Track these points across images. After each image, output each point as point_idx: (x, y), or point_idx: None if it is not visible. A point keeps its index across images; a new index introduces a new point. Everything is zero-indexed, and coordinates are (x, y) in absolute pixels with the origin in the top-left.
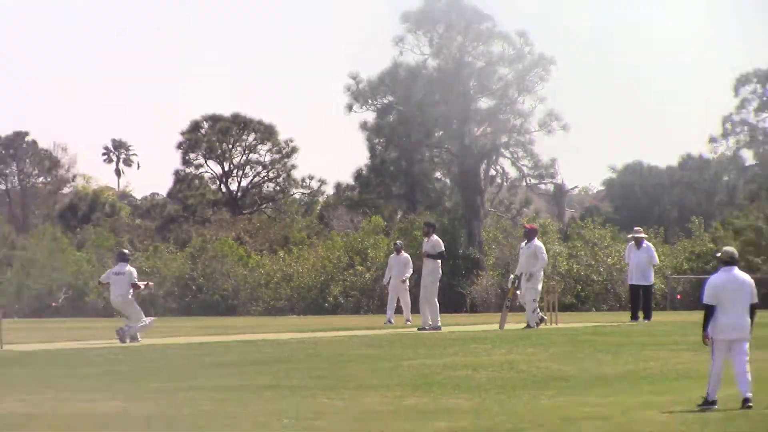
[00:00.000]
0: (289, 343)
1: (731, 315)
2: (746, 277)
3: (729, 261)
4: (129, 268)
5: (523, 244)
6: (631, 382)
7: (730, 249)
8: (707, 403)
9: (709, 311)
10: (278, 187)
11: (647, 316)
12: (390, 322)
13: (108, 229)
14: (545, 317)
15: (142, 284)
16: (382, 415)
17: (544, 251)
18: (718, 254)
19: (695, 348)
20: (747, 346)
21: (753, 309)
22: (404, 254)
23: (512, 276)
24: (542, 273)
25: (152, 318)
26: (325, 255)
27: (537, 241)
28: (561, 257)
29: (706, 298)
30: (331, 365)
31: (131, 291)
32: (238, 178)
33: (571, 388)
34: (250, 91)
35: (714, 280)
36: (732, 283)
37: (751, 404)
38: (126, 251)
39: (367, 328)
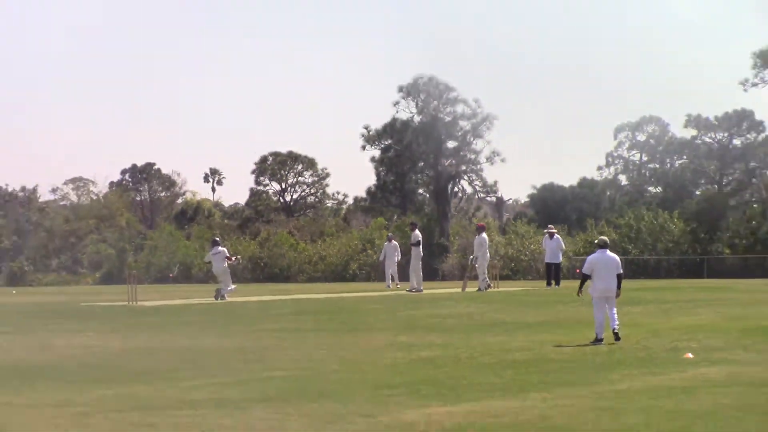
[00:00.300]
0: (323, 301)
1: (604, 281)
2: (614, 256)
3: (603, 245)
4: (221, 248)
5: (476, 236)
6: (546, 327)
7: (604, 237)
8: (596, 340)
9: (584, 278)
10: (316, 199)
11: (557, 284)
12: (388, 287)
13: (206, 227)
14: (491, 284)
15: (233, 257)
16: (384, 347)
17: (487, 240)
18: (596, 241)
19: (589, 305)
20: (615, 300)
21: (619, 277)
22: (394, 242)
23: (471, 257)
24: (488, 255)
25: (235, 285)
26: (346, 243)
27: (484, 234)
28: (501, 244)
29: (584, 269)
30: (351, 315)
31: (226, 263)
32: (291, 193)
33: (508, 331)
34: (299, 133)
35: (592, 258)
36: (604, 260)
37: (617, 332)
38: (217, 238)
39: (374, 291)
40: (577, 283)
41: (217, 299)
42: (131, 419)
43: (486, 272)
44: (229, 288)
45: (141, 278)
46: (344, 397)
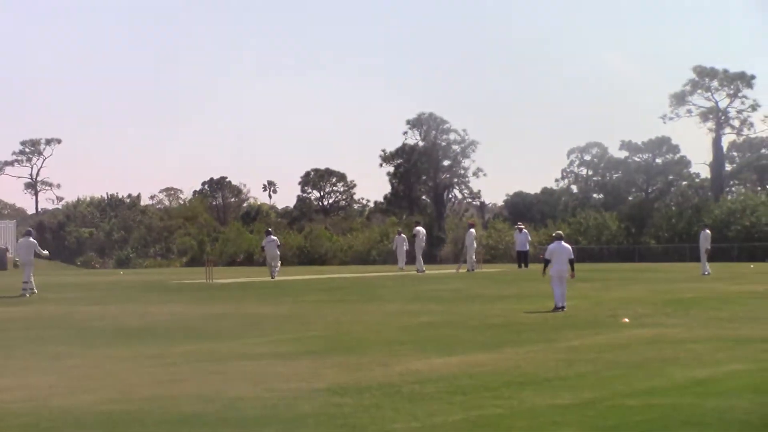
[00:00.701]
0: (350, 279)
1: (559, 264)
2: (567, 246)
3: (558, 237)
4: (273, 237)
5: (467, 231)
6: (517, 299)
7: (559, 231)
8: (556, 308)
9: (546, 262)
10: (346, 203)
11: (526, 266)
12: (401, 269)
13: (264, 224)
14: (475, 267)
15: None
16: (394, 314)
17: (474, 234)
18: (554, 234)
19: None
20: (565, 279)
21: (571, 262)
22: (402, 235)
23: (462, 246)
24: (475, 244)
25: (279, 267)
26: (369, 236)
27: (472, 230)
28: (483, 237)
29: (546, 255)
30: (370, 289)
31: (278, 248)
32: (327, 199)
33: (488, 301)
34: (334, 153)
35: (550, 246)
36: (559, 249)
37: (564, 308)
38: (270, 229)
39: (388, 272)
40: (541, 266)
41: (272, 278)
42: (208, 368)
43: (474, 258)
44: (278, 268)
45: (216, 262)
46: (365, 351)
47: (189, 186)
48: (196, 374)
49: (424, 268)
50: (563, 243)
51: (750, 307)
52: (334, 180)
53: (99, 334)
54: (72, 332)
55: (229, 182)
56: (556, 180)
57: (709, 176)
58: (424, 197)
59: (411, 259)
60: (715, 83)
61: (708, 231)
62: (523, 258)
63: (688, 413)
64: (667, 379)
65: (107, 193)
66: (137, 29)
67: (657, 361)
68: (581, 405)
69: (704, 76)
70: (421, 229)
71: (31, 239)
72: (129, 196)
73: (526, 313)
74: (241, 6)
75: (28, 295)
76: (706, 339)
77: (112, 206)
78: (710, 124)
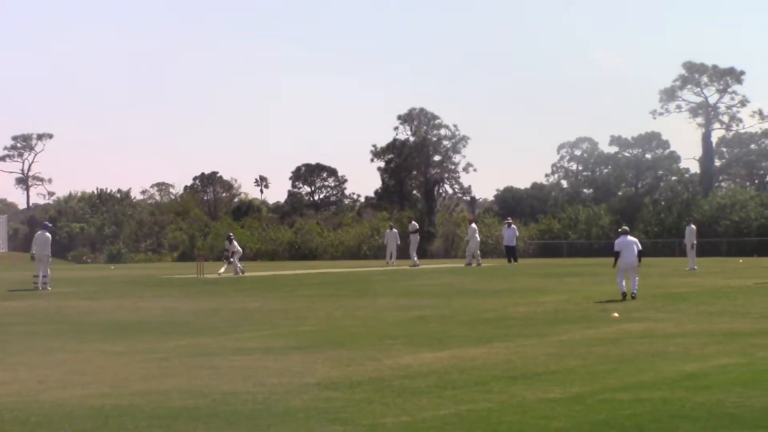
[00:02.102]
0: (341, 274)
1: (626, 257)
2: (634, 239)
3: (624, 232)
4: (235, 242)
5: (469, 227)
6: (508, 293)
7: (626, 227)
8: (624, 297)
9: (616, 255)
10: (337, 198)
11: (515, 261)
12: (388, 263)
13: (255, 219)
14: (481, 262)
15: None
16: (386, 309)
17: (476, 229)
18: (620, 230)
19: (541, 276)
20: (636, 270)
21: (639, 253)
22: (394, 230)
23: (466, 239)
24: (477, 239)
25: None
26: (360, 231)
27: (474, 225)
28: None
29: (616, 248)
30: (362, 284)
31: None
32: (318, 194)
33: (479, 296)
34: (325, 148)
35: (618, 240)
36: (626, 242)
37: (635, 295)
38: (231, 235)
39: (380, 266)
40: (532, 260)
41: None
42: (199, 363)
43: (478, 253)
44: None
45: (207, 257)
46: (357, 345)
47: (180, 181)
48: (187, 369)
49: (418, 263)
50: (629, 237)
51: (739, 301)
52: (325, 175)
53: (91, 328)
54: (64, 327)
55: (221, 177)
56: (546, 175)
57: (698, 171)
58: (414, 192)
59: (402, 253)
60: (704, 79)
61: (693, 226)
62: (511, 253)
63: (678, 407)
64: (656, 373)
65: (98, 188)
66: (128, 24)
67: (647, 355)
68: (571, 399)
69: (694, 72)
70: (415, 224)
71: (47, 234)
72: (120, 191)
73: (521, 307)
74: (235, 4)
75: (42, 289)
76: (695, 333)
77: (103, 201)
78: (700, 120)
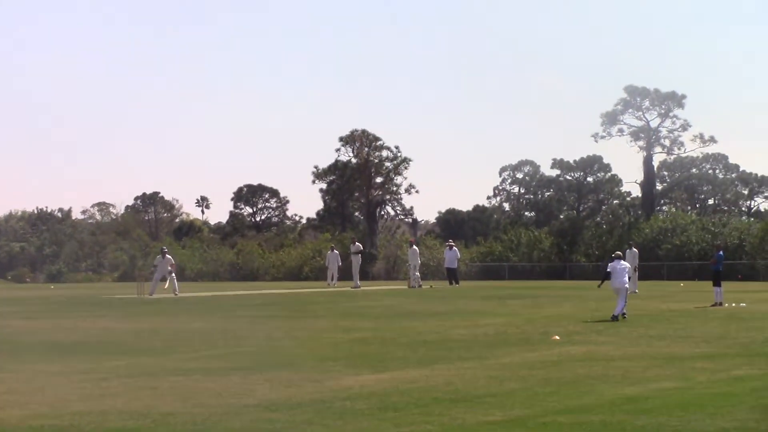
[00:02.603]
0: (282, 295)
1: (617, 280)
2: (625, 264)
3: (618, 257)
4: (168, 257)
5: (409, 249)
6: (449, 316)
7: (618, 252)
8: (614, 317)
9: (605, 276)
10: (279, 219)
11: (457, 283)
12: (329, 285)
13: (196, 239)
14: (422, 284)
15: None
16: (327, 330)
17: (418, 252)
18: (613, 254)
19: (482, 298)
20: (624, 292)
21: (628, 276)
22: (336, 251)
23: (408, 264)
24: (419, 261)
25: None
26: (301, 252)
27: (415, 247)
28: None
29: (608, 269)
30: (303, 305)
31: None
32: (260, 215)
33: (420, 318)
34: (267, 169)
35: (612, 264)
36: (618, 266)
37: (626, 316)
38: (165, 248)
39: (321, 288)
40: (474, 282)
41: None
42: (138, 384)
43: (418, 274)
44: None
45: (147, 277)
46: (297, 367)
47: (121, 201)
48: (126, 389)
49: (360, 284)
50: (622, 262)
51: (680, 325)
52: (267, 196)
53: (30, 348)
54: (3, 347)
55: (162, 197)
56: (488, 198)
57: (639, 195)
58: (356, 214)
59: (345, 275)
60: (646, 102)
61: (635, 250)
62: (452, 275)
63: (619, 430)
64: (597, 396)
65: (38, 208)
66: (68, 40)
67: (587, 378)
68: (512, 422)
69: (635, 96)
70: (359, 246)
71: None
72: (60, 210)
73: (461, 329)
74: (177, 19)
75: None
76: (636, 356)
77: (43, 221)
78: (641, 143)
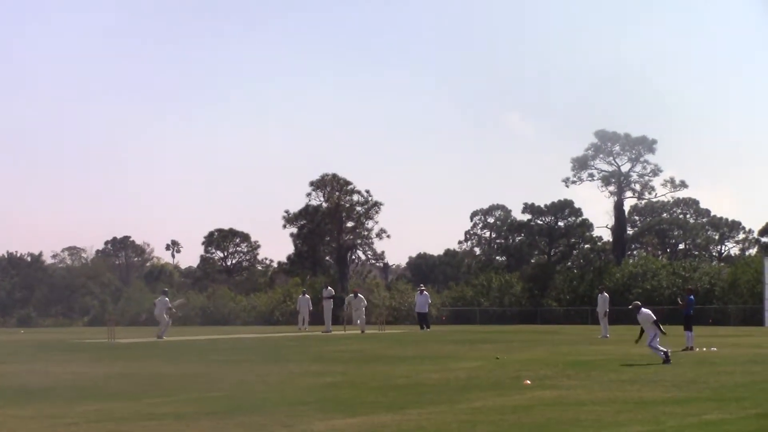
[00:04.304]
0: (254, 339)
1: (647, 329)
2: (646, 311)
3: (637, 308)
4: (166, 298)
5: (356, 297)
6: (420, 360)
7: (637, 302)
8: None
9: (641, 330)
10: (250, 263)
11: (427, 327)
12: (299, 329)
13: (167, 284)
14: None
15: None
16: (298, 374)
17: (363, 299)
18: (631, 305)
19: (453, 342)
20: (658, 336)
21: (656, 323)
22: (306, 296)
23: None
24: (363, 308)
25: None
26: (272, 296)
27: (360, 295)
28: (386, 298)
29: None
30: (273, 349)
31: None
32: (231, 259)
33: (391, 362)
34: (238, 214)
35: (639, 317)
36: (641, 316)
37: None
38: (166, 288)
39: (293, 332)
40: (445, 327)
41: (160, 338)
42: (109, 428)
43: (363, 318)
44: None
45: (118, 322)
46: (269, 411)
47: (92, 245)
48: None
49: (331, 329)
50: (644, 310)
51: (651, 369)
52: (237, 240)
53: (1, 393)
54: None
55: (132, 242)
56: (460, 242)
57: (611, 239)
58: (327, 258)
59: (315, 319)
60: (617, 147)
61: (606, 294)
62: (423, 319)
63: None
64: None
65: (8, 252)
66: (31, 75)
67: (559, 423)
68: None
69: (606, 140)
70: (331, 290)
71: None
72: (30, 254)
73: (433, 373)
74: (143, 57)
75: None
76: (607, 401)
77: (13, 265)
78: (612, 188)
